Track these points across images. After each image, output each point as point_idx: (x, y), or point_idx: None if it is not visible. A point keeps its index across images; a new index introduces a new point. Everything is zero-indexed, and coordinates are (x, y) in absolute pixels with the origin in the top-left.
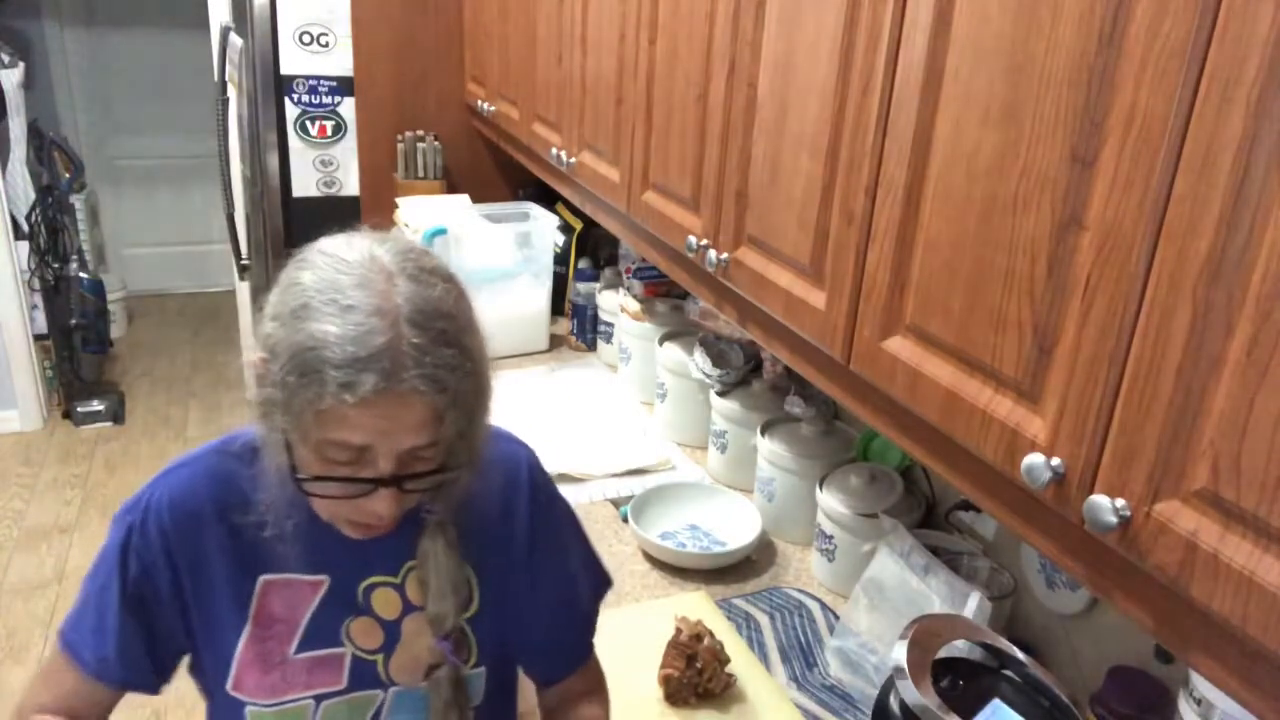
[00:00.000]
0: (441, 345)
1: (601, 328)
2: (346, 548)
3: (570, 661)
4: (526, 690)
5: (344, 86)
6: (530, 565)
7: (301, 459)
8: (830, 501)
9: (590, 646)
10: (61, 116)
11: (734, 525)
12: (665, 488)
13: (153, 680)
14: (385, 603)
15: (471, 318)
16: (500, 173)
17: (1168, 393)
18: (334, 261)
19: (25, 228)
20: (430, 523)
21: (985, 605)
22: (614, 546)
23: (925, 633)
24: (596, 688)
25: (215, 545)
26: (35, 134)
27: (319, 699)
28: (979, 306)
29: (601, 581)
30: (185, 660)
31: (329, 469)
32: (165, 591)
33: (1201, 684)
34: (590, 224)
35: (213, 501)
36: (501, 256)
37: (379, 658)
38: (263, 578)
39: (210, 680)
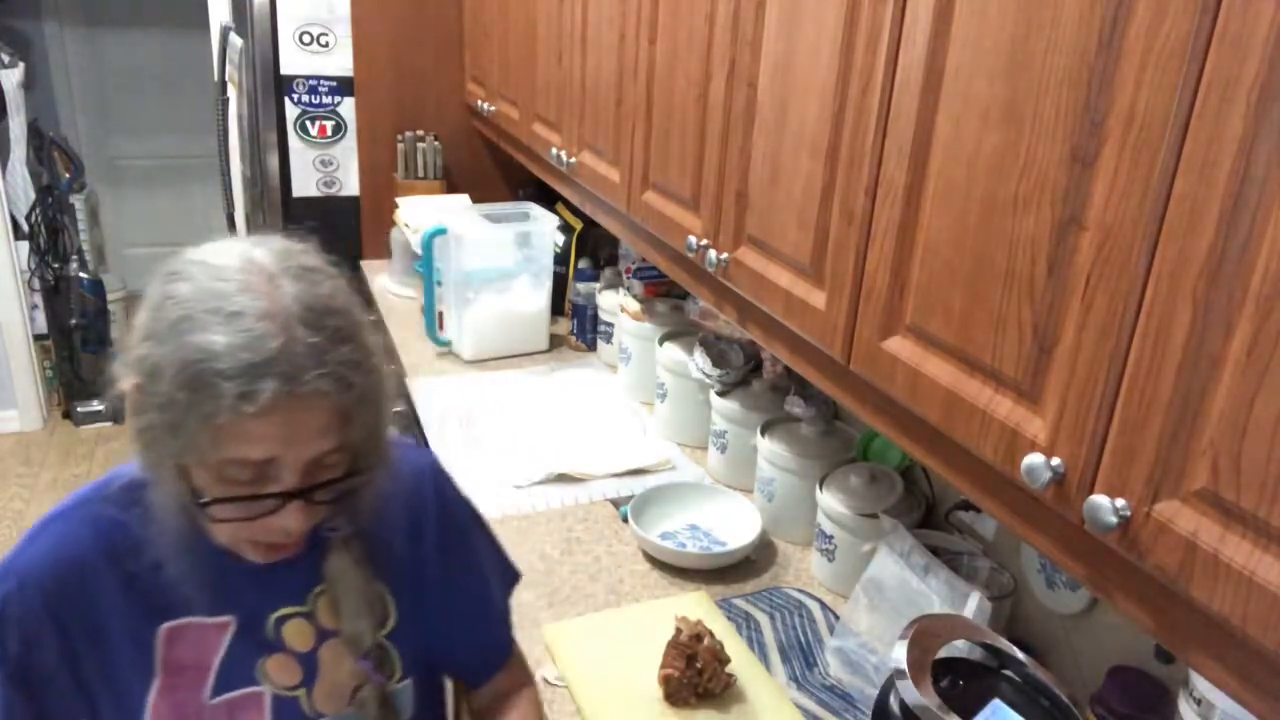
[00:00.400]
0: (339, 343)
1: (601, 328)
2: (250, 582)
3: (494, 661)
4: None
5: (344, 86)
6: (443, 573)
7: (199, 482)
8: (830, 501)
9: (511, 641)
10: (61, 116)
11: (734, 525)
12: (665, 488)
13: None
14: (298, 634)
15: (361, 313)
16: (500, 173)
17: (1168, 393)
18: (209, 269)
19: (25, 228)
20: (335, 541)
21: (985, 605)
22: (614, 546)
23: (925, 633)
24: (524, 680)
25: (107, 598)
26: (35, 134)
27: None
28: (979, 306)
29: (512, 577)
30: None
31: (230, 490)
32: (53, 660)
33: (1201, 684)
34: (590, 224)
35: (99, 551)
36: (501, 256)
37: (300, 693)
38: (164, 625)
39: None
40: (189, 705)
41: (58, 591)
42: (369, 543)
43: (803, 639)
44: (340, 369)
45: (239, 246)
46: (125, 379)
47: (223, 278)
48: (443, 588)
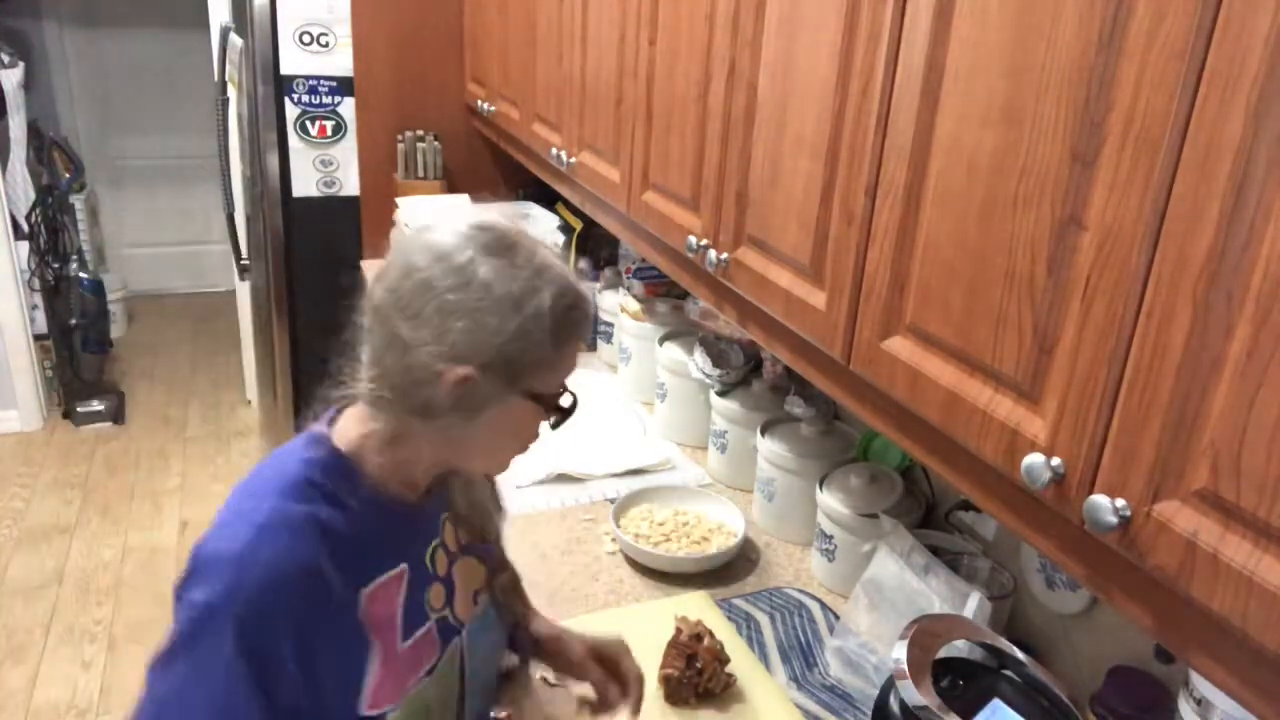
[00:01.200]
0: None
1: (601, 328)
2: (408, 528)
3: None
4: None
5: (344, 86)
6: None
7: (545, 401)
8: (830, 501)
9: None
10: (61, 116)
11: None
12: (649, 490)
13: None
14: (440, 561)
15: None
16: (500, 173)
17: (1168, 393)
18: (496, 225)
19: (25, 228)
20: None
21: (985, 605)
22: (614, 546)
23: (925, 633)
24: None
25: (324, 591)
26: (35, 134)
27: (428, 673)
28: (979, 306)
29: None
30: None
31: (550, 409)
32: (291, 663)
33: (1201, 684)
34: (590, 224)
35: (313, 551)
36: None
37: (447, 611)
38: (364, 592)
39: (333, 717)
40: (392, 657)
41: (299, 595)
42: None
43: (803, 639)
44: None
45: (508, 221)
46: (449, 371)
47: (521, 231)
48: None
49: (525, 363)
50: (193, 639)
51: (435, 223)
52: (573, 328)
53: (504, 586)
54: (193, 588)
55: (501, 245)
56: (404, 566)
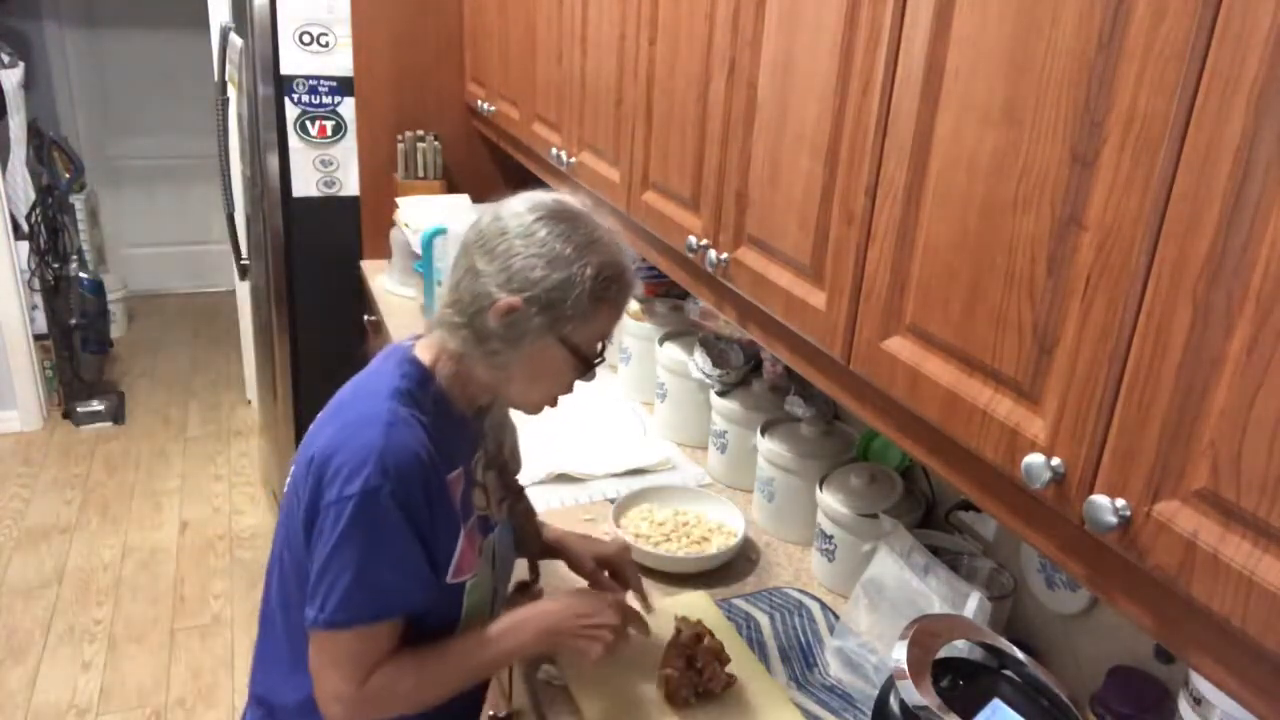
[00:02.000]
0: None
1: None
2: (464, 440)
3: None
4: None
5: (344, 86)
6: None
7: (579, 353)
8: (830, 501)
9: None
10: (61, 116)
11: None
12: (649, 490)
13: (434, 589)
14: (480, 470)
15: None
16: (500, 173)
17: (1168, 393)
18: (568, 205)
19: (25, 228)
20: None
21: (985, 605)
22: None
23: (925, 633)
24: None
25: (434, 472)
26: (35, 134)
27: (479, 553)
28: (979, 306)
29: None
30: None
31: (594, 358)
32: (425, 526)
33: (1201, 684)
34: None
35: (421, 442)
36: None
37: (489, 510)
38: (448, 479)
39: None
40: (467, 539)
41: (423, 471)
42: None
43: (803, 639)
44: None
45: (558, 195)
46: (501, 296)
47: (587, 214)
48: None
49: (564, 310)
50: (364, 516)
51: (527, 193)
52: (610, 295)
53: (523, 510)
54: (346, 484)
55: (565, 216)
56: (461, 469)
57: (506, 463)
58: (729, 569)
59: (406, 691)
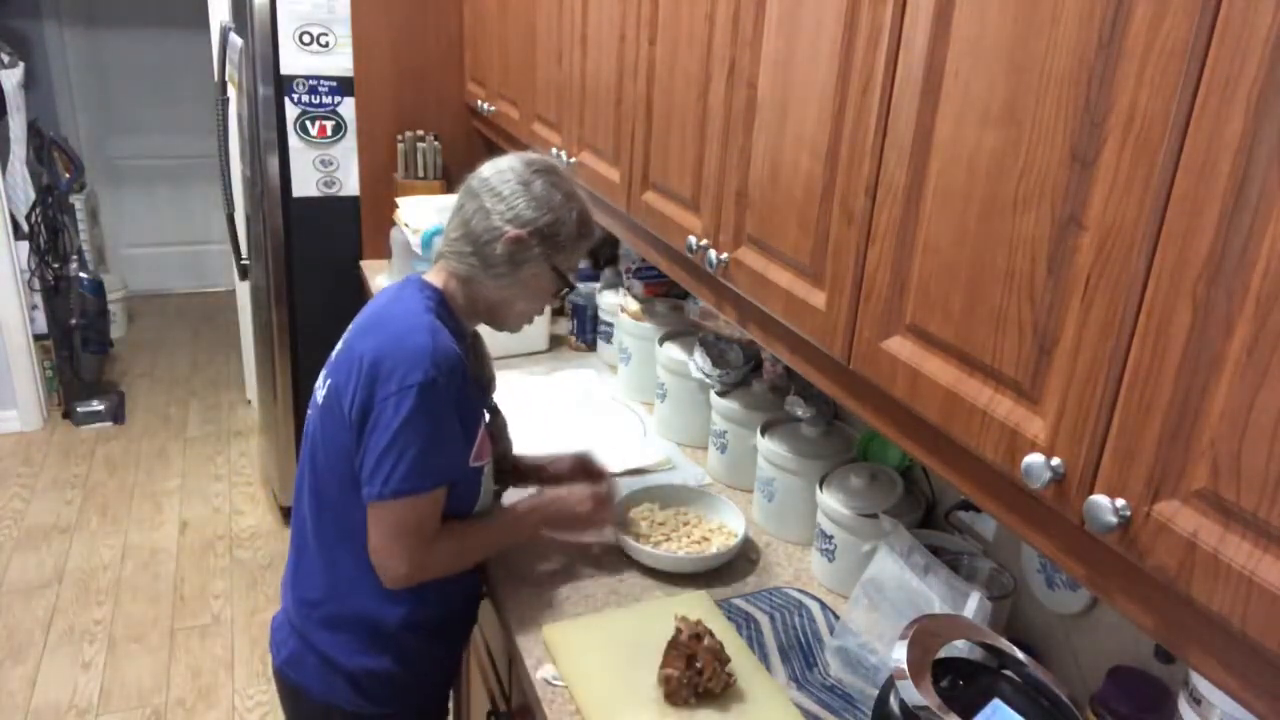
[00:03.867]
0: None
1: (601, 328)
2: (468, 353)
3: None
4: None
5: (344, 86)
6: None
7: (562, 277)
8: (830, 501)
9: None
10: (61, 116)
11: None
12: (649, 489)
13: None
14: (491, 420)
15: None
16: None
17: (1167, 393)
18: (552, 163)
19: (25, 228)
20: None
21: (985, 605)
22: (614, 546)
23: (925, 633)
24: None
25: (465, 369)
26: (35, 134)
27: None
28: (979, 306)
29: None
30: None
31: (569, 282)
32: (462, 411)
33: (1201, 684)
34: None
35: (454, 343)
36: None
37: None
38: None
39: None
40: (482, 427)
41: (461, 369)
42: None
43: (803, 639)
44: None
45: (541, 156)
46: (509, 230)
47: (566, 170)
48: None
49: (557, 241)
50: (424, 403)
51: (518, 152)
52: (585, 233)
53: (500, 424)
54: (406, 376)
55: (553, 170)
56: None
57: (491, 379)
58: (729, 569)
59: (454, 554)
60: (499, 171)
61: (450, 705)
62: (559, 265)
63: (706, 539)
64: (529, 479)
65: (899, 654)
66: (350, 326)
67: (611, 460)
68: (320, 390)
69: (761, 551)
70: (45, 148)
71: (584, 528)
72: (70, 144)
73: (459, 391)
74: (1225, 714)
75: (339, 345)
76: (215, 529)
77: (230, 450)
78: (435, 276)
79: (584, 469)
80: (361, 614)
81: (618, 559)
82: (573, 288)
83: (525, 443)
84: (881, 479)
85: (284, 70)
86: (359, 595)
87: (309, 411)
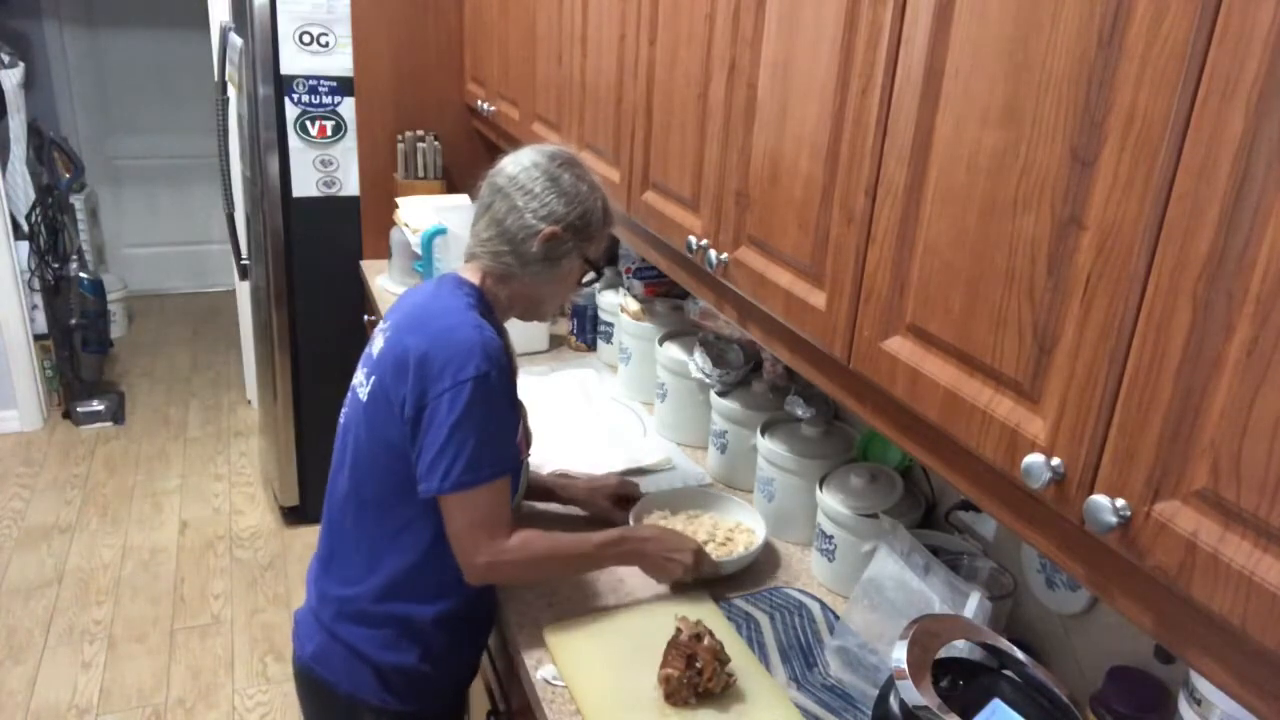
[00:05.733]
0: None
1: (601, 328)
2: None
3: None
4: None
5: (344, 86)
6: None
7: (592, 265)
8: (830, 501)
9: None
10: (61, 116)
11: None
12: (659, 495)
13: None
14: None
15: None
16: None
17: (1167, 393)
18: (571, 155)
19: (25, 228)
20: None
21: (985, 605)
22: None
23: (925, 633)
24: None
25: (510, 363)
26: (35, 134)
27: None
28: (979, 306)
29: None
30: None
31: (600, 267)
32: (512, 402)
33: (1201, 684)
34: None
35: (497, 334)
36: None
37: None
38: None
39: None
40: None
41: (507, 362)
42: None
43: (803, 639)
44: None
45: (557, 147)
46: (544, 227)
47: (594, 175)
48: None
49: (589, 232)
50: (479, 395)
51: (537, 145)
52: (610, 221)
53: (525, 416)
54: (460, 371)
55: (575, 163)
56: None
57: (515, 372)
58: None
59: (535, 555)
60: (524, 169)
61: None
62: (589, 255)
63: (730, 539)
64: (540, 497)
65: (899, 654)
66: (387, 322)
67: (611, 460)
68: (363, 387)
69: (760, 552)
70: (45, 148)
71: (675, 577)
72: (70, 144)
73: (509, 383)
74: (1225, 714)
75: (378, 341)
76: (215, 529)
77: (230, 450)
78: (471, 274)
79: (620, 495)
80: (397, 610)
81: None
82: (601, 274)
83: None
84: (881, 479)
85: (284, 70)
86: (399, 591)
87: (345, 409)
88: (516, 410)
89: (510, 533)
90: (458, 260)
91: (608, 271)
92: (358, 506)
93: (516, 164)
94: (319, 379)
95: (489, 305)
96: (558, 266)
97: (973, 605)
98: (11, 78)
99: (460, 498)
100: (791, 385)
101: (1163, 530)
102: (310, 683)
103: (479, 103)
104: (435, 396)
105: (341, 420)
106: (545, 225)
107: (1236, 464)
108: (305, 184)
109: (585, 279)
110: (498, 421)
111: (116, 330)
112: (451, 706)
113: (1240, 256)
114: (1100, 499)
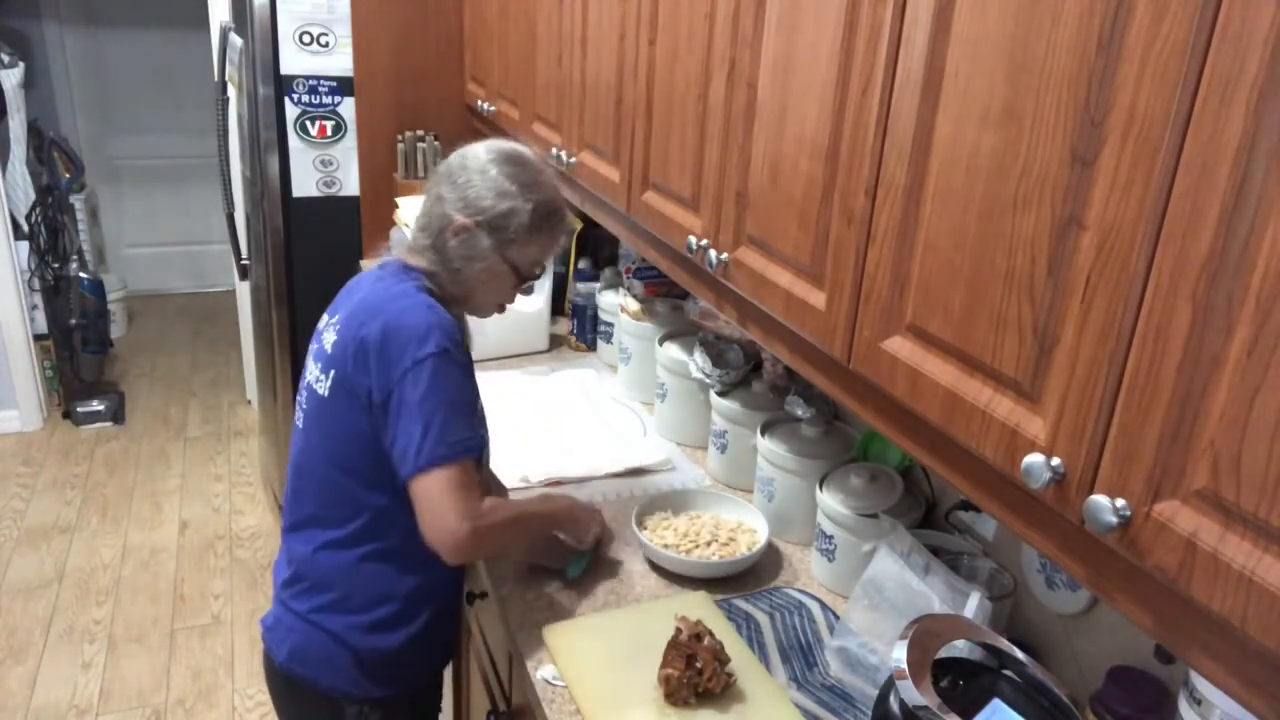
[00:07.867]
0: None
1: (601, 328)
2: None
3: None
4: None
5: (344, 86)
6: None
7: (518, 271)
8: (830, 501)
9: None
10: (61, 116)
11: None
12: (660, 497)
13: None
14: None
15: None
16: None
17: (1168, 393)
18: (522, 152)
19: (25, 228)
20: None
21: (985, 605)
22: (614, 546)
23: (925, 633)
24: None
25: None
26: (35, 134)
27: None
28: (979, 306)
29: None
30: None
31: (528, 278)
32: (471, 379)
33: (1201, 684)
34: (590, 224)
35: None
36: None
37: None
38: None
39: None
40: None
41: (463, 340)
42: None
43: (803, 639)
44: None
45: (513, 144)
46: (457, 219)
47: (535, 160)
48: None
49: (507, 235)
50: (442, 367)
51: (490, 140)
52: (546, 226)
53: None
54: (418, 349)
55: (516, 160)
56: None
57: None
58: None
59: (506, 517)
60: (462, 157)
61: (451, 703)
62: (512, 258)
63: (733, 539)
64: None
65: (899, 654)
66: (335, 315)
67: (612, 460)
68: (321, 384)
69: (761, 552)
70: (45, 148)
71: (592, 534)
72: (70, 144)
73: (467, 360)
74: (1225, 714)
75: (329, 335)
76: (215, 529)
77: (230, 450)
78: (414, 259)
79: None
80: (374, 592)
81: (617, 559)
82: (528, 281)
83: (525, 443)
84: (881, 479)
85: (284, 70)
86: (373, 573)
87: (298, 410)
88: (476, 388)
89: (482, 498)
90: None
91: (607, 271)
92: (327, 502)
93: (461, 154)
94: None
95: (436, 290)
96: (473, 265)
97: (973, 605)
98: (11, 78)
99: (437, 474)
100: (791, 385)
101: (1163, 530)
102: (289, 686)
103: (479, 103)
104: (399, 378)
105: (297, 421)
106: (460, 217)
107: (1236, 464)
108: (305, 184)
109: (522, 286)
110: (463, 395)
111: (116, 330)
112: (428, 689)
113: (1240, 256)
114: (1100, 499)
